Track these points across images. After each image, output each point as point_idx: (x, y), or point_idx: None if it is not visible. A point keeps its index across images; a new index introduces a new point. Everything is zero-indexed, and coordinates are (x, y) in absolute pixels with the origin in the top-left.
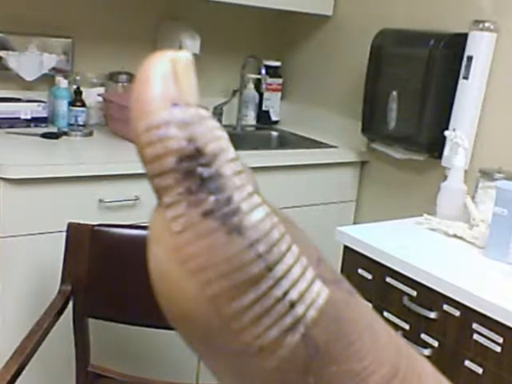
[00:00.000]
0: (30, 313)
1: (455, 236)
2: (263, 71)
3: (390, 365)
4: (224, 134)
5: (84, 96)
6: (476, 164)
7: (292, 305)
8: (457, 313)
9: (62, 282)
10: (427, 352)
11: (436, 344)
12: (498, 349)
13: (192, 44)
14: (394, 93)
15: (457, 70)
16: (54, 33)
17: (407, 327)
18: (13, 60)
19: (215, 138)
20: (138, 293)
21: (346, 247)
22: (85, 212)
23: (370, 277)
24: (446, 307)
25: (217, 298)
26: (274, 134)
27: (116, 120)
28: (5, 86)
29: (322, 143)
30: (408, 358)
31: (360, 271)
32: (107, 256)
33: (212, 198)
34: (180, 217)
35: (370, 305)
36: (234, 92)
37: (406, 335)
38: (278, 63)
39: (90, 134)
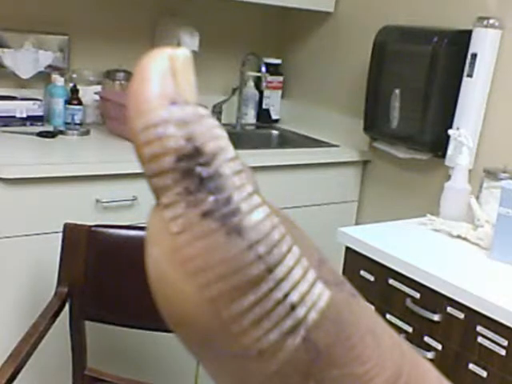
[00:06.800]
0: (26, 315)
1: (459, 237)
2: (263, 69)
3: (393, 368)
4: (223, 133)
5: (80, 94)
6: (480, 163)
7: (293, 307)
8: (461, 315)
9: (59, 283)
10: (431, 355)
11: (440, 347)
12: (503, 352)
13: (191, 41)
14: (397, 91)
15: (461, 68)
16: (49, 30)
17: (410, 330)
18: (8, 57)
19: (214, 136)
20: (136, 295)
21: (347, 248)
22: (81, 212)
23: (372, 278)
24: (449, 309)
25: (216, 300)
26: (275, 132)
27: (113, 119)
28: (0, 84)
29: (323, 142)
30: (411, 362)
31: (362, 273)
32: (104, 257)
33: (211, 198)
34: (178, 217)
35: (373, 307)
36: (234, 90)
37: (409, 338)
38: (278, 61)
39: (87, 132)
